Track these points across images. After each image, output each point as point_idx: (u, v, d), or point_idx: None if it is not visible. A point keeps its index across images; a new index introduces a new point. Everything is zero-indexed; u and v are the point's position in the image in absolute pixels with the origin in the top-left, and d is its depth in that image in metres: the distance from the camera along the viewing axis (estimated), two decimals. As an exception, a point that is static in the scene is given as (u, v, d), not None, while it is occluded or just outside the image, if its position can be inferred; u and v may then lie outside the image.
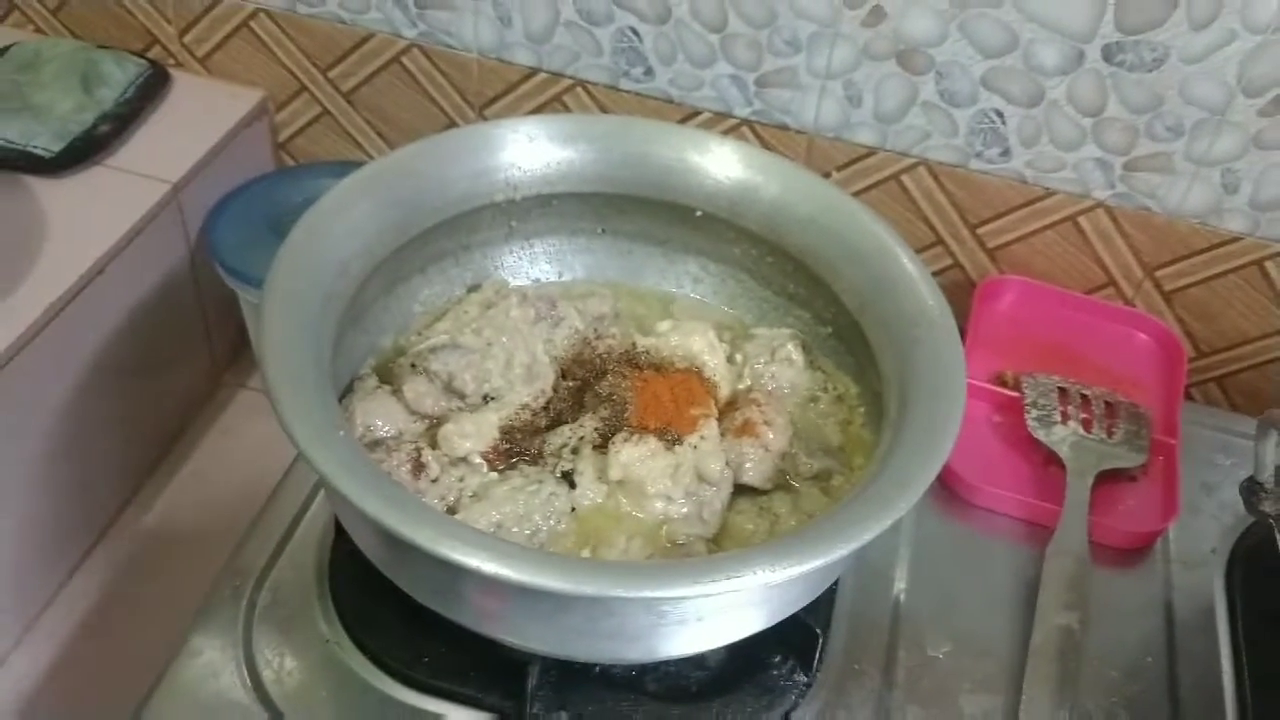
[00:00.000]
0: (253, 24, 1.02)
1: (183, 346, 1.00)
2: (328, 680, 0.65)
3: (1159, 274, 0.93)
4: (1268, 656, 0.69)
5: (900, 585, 0.73)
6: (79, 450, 0.92)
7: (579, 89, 0.96)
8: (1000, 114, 0.88)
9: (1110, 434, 0.80)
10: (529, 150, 0.72)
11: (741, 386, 0.72)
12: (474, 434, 0.65)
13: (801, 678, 0.66)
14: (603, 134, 0.74)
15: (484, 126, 0.71)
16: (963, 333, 0.86)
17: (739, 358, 0.73)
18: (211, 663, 0.65)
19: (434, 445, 0.65)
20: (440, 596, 0.57)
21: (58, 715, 0.86)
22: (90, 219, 0.89)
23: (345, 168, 0.69)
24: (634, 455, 0.64)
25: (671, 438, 0.65)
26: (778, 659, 0.66)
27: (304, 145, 1.10)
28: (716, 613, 0.56)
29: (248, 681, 0.65)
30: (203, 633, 0.67)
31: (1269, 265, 0.89)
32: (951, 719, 0.66)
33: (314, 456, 0.52)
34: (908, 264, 0.67)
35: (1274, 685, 0.68)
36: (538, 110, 0.98)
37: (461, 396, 0.67)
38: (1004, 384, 0.85)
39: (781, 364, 0.72)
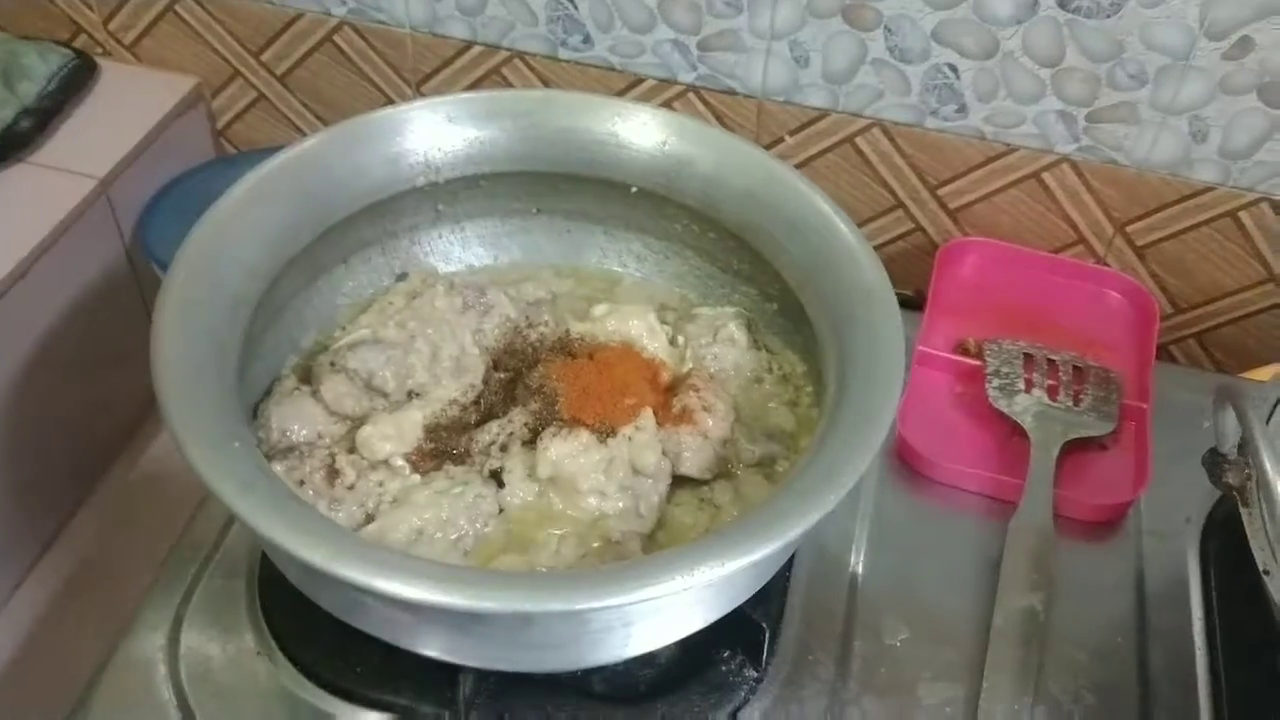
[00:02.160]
0: (178, 8, 0.97)
1: (127, 346, 0.96)
2: (257, 693, 0.63)
3: (1130, 229, 0.89)
4: (1241, 631, 0.66)
5: (857, 567, 0.70)
6: (24, 455, 0.90)
7: (517, 60, 0.92)
8: (954, 68, 0.84)
9: (1077, 401, 0.77)
10: (448, 131, 0.68)
11: (684, 370, 0.68)
12: (395, 435, 0.61)
13: (751, 672, 0.63)
14: (526, 110, 0.70)
15: (396, 109, 0.67)
16: (925, 298, 0.83)
17: (681, 339, 0.70)
18: (138, 678, 0.63)
19: (355, 448, 0.62)
20: (354, 614, 0.54)
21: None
22: (12, 219, 0.86)
23: (283, 153, 0.66)
24: (564, 451, 0.61)
25: (605, 430, 0.62)
26: (726, 654, 0.63)
27: (244, 132, 1.06)
28: (646, 616, 0.53)
29: (174, 699, 0.62)
30: (129, 646, 0.64)
31: (1243, 215, 0.85)
32: (909, 710, 0.63)
33: (204, 472, 0.49)
34: (848, 236, 0.64)
35: (1247, 662, 0.65)
36: (475, 85, 0.95)
37: (384, 395, 0.64)
38: (966, 352, 0.81)
39: (724, 344, 0.68)
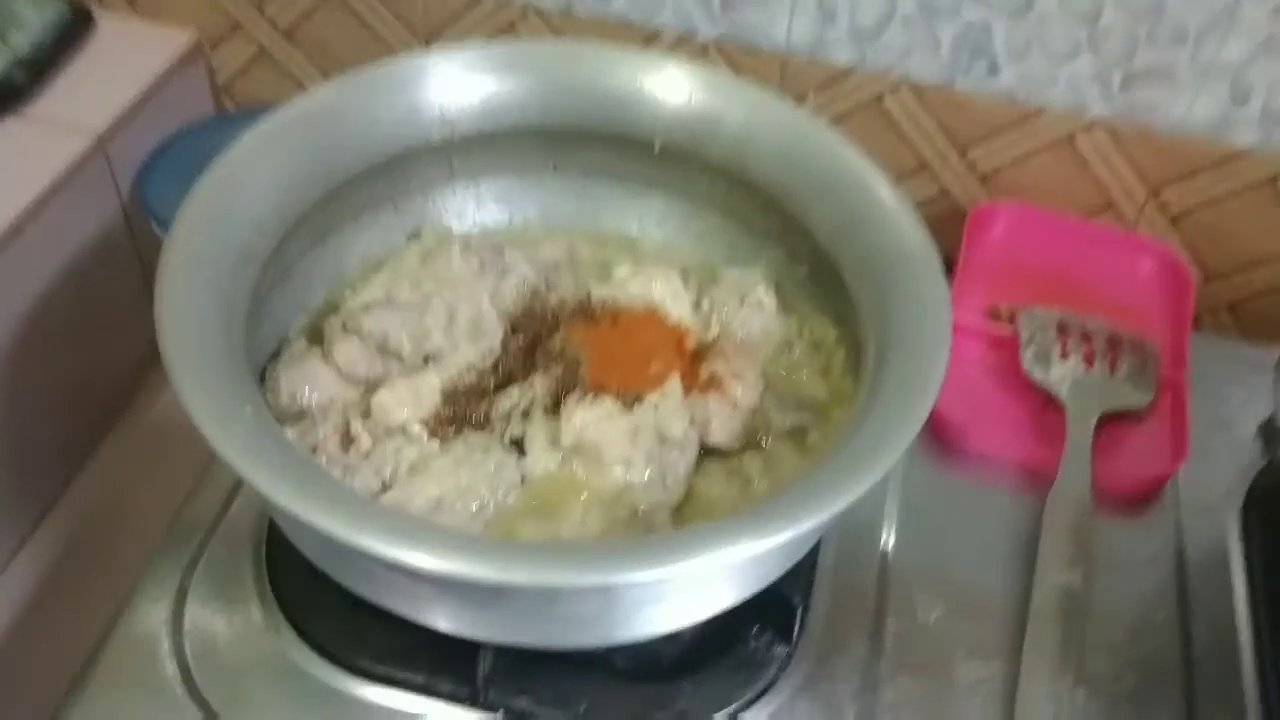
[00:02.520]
0: (177, -43, 0.94)
1: (124, 308, 0.94)
2: (266, 670, 0.60)
3: (1163, 195, 0.86)
4: (1287, 608, 0.64)
5: (888, 543, 0.67)
6: (19, 420, 0.87)
7: (531, 15, 0.89)
8: (987, 26, 0.80)
9: (1114, 371, 0.74)
10: (465, 82, 0.65)
11: (710, 336, 0.66)
12: (411, 400, 0.59)
13: (781, 649, 0.61)
14: (547, 61, 0.67)
15: (412, 58, 0.64)
16: (953, 266, 0.81)
17: (706, 304, 0.67)
18: (140, 653, 0.60)
19: (369, 414, 0.59)
20: (371, 587, 0.52)
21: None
22: (5, 175, 0.82)
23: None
24: (589, 418, 0.58)
25: (630, 397, 0.59)
26: (754, 630, 0.61)
27: (246, 88, 1.02)
28: (678, 592, 0.51)
29: (179, 675, 0.60)
30: (130, 620, 0.61)
31: (1283, 181, 0.82)
32: (944, 689, 0.61)
33: (212, 436, 0.46)
34: (886, 196, 0.61)
35: (1294, 639, 0.63)
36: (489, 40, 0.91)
37: (398, 358, 0.61)
38: (998, 320, 0.79)
39: (752, 309, 0.66)
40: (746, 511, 0.48)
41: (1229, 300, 0.89)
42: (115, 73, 0.93)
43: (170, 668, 0.60)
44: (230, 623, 0.61)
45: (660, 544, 0.46)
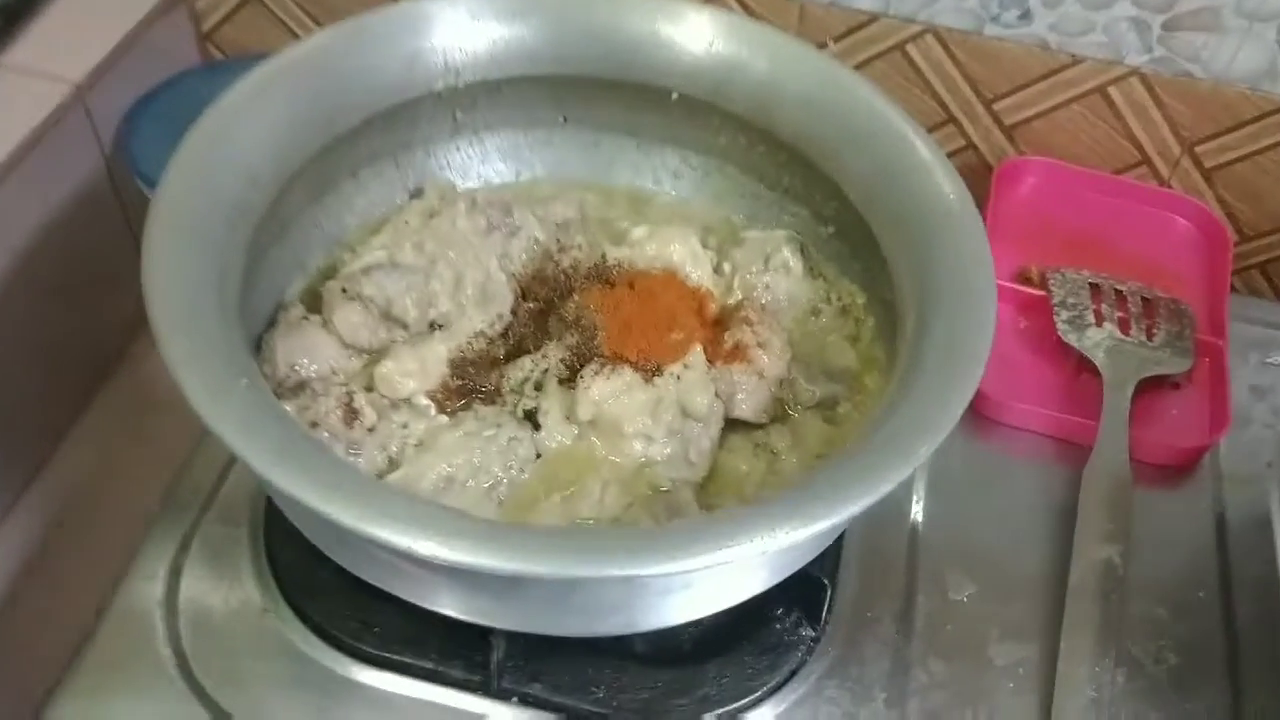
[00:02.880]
0: (159, -106, 0.88)
1: (110, 266, 0.89)
2: (264, 654, 0.57)
3: (1199, 150, 0.82)
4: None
5: (917, 517, 0.64)
6: (2, 383, 0.83)
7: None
8: (1021, -32, 0.76)
9: (1150, 336, 0.71)
10: (471, 28, 0.61)
11: (731, 301, 0.62)
12: (417, 371, 0.55)
13: (808, 632, 0.58)
14: (558, 4, 0.63)
15: (415, 3, 0.59)
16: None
17: (727, 267, 0.63)
18: (133, 639, 0.57)
19: (373, 386, 0.55)
20: (376, 572, 0.48)
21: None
22: (-20, 127, 0.77)
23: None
24: (607, 390, 0.54)
25: (651, 368, 0.56)
26: (780, 611, 0.58)
27: (233, 35, 0.97)
28: (707, 579, 0.47)
29: (174, 657, 0.56)
30: (123, 599, 0.58)
31: (1327, 135, 0.78)
32: (979, 672, 0.58)
33: (205, 413, 0.43)
34: (921, 148, 0.57)
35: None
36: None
37: (403, 325, 0.58)
38: (1028, 282, 0.75)
39: (777, 272, 0.62)
40: (780, 497, 0.45)
41: (1262, 260, 0.86)
42: (94, 18, 0.88)
43: (165, 651, 0.57)
44: (227, 603, 0.58)
45: (688, 532, 0.43)
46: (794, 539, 0.41)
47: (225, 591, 0.59)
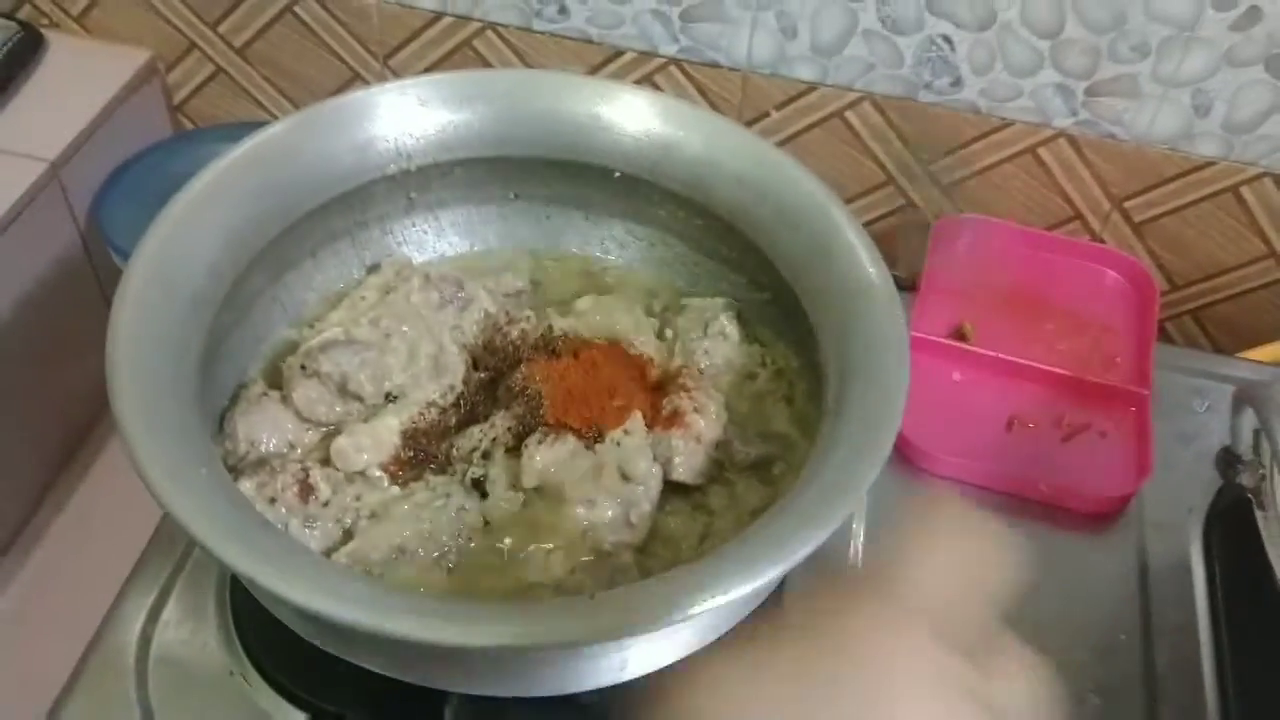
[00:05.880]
0: (129, -24, 0.92)
1: (85, 335, 0.92)
2: (231, 714, 0.60)
3: (1128, 205, 0.86)
4: (1248, 627, 0.64)
5: (856, 562, 0.68)
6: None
7: (489, 32, 0.88)
8: (949, 40, 0.80)
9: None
10: (421, 115, 0.64)
11: (674, 366, 0.65)
12: (371, 445, 0.58)
13: (749, 682, 0.61)
14: (503, 91, 0.66)
15: (364, 92, 0.63)
16: (918, 278, 0.81)
17: (669, 333, 0.66)
18: (105, 697, 0.60)
19: (329, 460, 0.58)
20: (332, 642, 0.51)
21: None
22: (-43, 206, 0.81)
23: (244, 129, 0.62)
24: (550, 458, 0.58)
25: (592, 434, 0.59)
26: (723, 664, 0.61)
27: (202, 107, 1.01)
28: (643, 642, 0.50)
29: (141, 715, 0.59)
30: (94, 665, 0.61)
31: (1245, 190, 0.82)
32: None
33: (166, 501, 0.46)
34: (846, 228, 0.61)
35: (1255, 658, 0.63)
36: (446, 59, 0.90)
37: (359, 399, 0.61)
38: (963, 338, 0.79)
39: (715, 339, 0.65)
40: (708, 559, 0.48)
41: (1192, 307, 0.90)
42: (68, 95, 0.91)
43: (136, 715, 0.59)
44: (198, 668, 0.61)
45: (625, 600, 0.46)
46: (708, 605, 0.45)
47: (196, 657, 0.61)
